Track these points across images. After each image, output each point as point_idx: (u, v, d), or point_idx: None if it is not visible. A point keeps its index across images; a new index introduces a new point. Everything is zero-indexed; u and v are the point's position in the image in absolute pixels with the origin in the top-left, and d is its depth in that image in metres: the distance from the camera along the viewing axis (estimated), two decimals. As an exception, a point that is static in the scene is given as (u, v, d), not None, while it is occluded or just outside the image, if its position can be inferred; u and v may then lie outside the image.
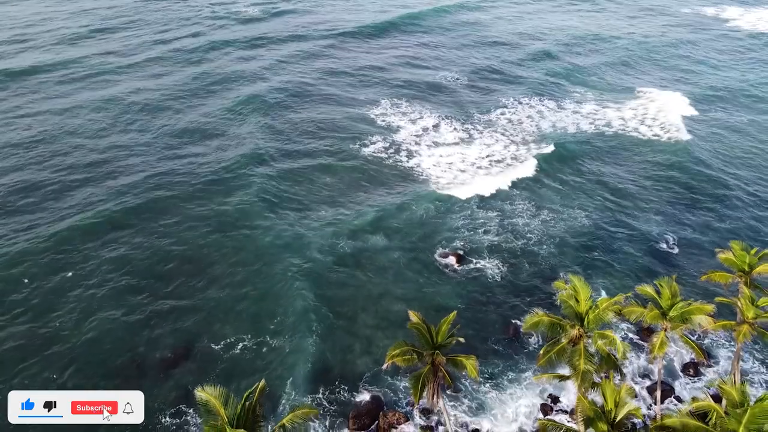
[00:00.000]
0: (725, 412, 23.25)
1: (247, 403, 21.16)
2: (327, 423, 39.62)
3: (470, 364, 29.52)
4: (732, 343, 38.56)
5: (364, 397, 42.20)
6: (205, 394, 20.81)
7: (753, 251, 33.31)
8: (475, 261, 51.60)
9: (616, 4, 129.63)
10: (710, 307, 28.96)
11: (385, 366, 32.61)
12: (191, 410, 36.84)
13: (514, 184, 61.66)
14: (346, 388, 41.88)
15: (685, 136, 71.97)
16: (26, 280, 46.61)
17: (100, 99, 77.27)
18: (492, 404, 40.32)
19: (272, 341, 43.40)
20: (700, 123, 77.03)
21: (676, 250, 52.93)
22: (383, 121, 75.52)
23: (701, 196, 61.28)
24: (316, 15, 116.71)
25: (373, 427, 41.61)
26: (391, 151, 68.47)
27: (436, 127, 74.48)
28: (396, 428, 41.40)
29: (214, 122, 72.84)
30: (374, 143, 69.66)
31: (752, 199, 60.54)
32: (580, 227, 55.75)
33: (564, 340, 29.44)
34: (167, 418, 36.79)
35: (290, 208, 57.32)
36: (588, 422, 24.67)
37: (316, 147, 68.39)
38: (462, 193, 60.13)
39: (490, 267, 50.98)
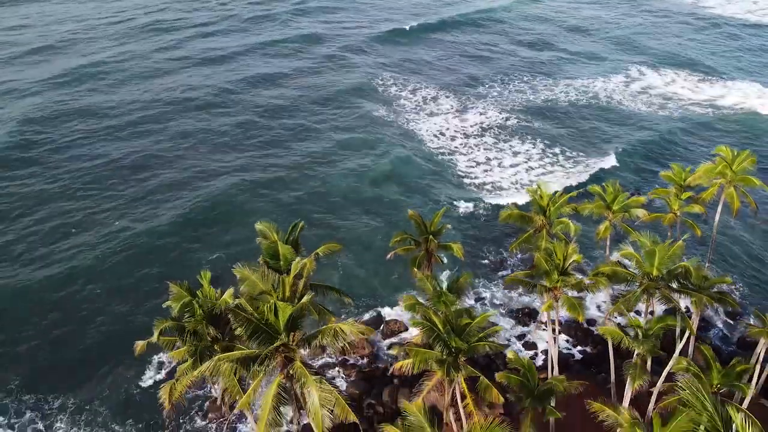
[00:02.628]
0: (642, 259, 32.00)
1: (290, 237, 29.93)
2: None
3: (457, 247, 38.39)
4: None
5: (370, 309, 51.15)
6: (262, 225, 29.63)
7: (687, 169, 42.23)
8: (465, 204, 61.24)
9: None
10: (643, 198, 37.92)
11: (389, 255, 41.39)
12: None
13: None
14: (357, 299, 50.70)
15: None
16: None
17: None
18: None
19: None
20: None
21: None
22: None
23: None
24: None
25: (377, 332, 50.55)
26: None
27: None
28: (396, 335, 50.14)
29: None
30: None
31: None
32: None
33: (531, 230, 38.39)
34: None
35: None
36: (544, 273, 33.33)
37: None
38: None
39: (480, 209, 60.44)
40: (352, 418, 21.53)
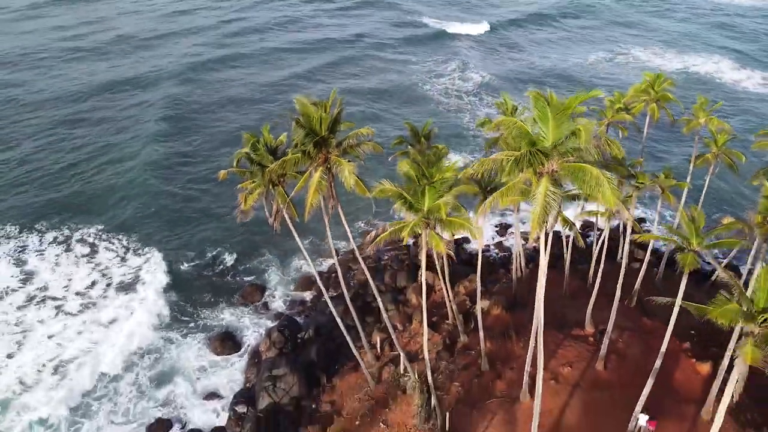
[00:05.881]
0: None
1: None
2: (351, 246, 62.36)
3: (442, 147, 51.75)
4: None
5: (375, 224, 64.60)
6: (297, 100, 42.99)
7: (622, 96, 55.84)
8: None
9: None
10: (585, 112, 51.54)
11: (390, 158, 54.56)
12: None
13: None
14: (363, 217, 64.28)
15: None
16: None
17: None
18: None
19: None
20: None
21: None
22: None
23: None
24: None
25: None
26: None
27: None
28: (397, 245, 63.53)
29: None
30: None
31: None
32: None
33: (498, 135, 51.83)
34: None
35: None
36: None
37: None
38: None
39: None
40: (367, 194, 34.85)
